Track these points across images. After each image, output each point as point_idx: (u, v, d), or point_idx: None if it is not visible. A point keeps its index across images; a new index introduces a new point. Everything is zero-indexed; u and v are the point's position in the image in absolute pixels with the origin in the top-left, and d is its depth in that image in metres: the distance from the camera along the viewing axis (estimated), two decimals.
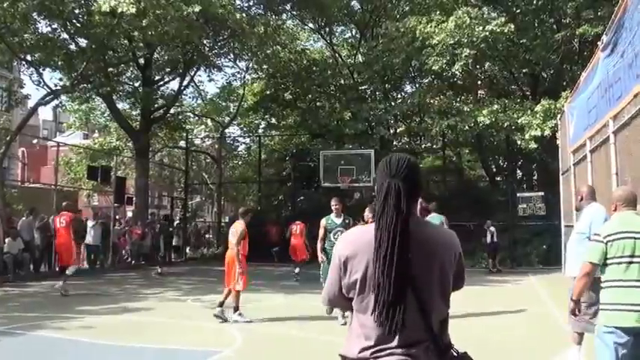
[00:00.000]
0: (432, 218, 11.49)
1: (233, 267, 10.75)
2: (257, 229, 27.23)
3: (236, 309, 10.73)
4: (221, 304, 10.76)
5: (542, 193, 25.03)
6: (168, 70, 29.47)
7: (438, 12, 24.16)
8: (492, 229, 22.85)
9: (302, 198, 33.01)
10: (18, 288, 13.80)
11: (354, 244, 2.56)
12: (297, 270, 18.63)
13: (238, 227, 10.90)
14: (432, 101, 27.73)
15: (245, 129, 39.18)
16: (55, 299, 14.42)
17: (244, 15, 24.14)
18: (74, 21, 22.88)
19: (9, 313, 11.34)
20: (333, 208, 11.33)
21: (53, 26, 23.42)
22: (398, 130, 31.93)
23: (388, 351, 2.40)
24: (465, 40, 22.39)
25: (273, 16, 28.09)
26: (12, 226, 19.25)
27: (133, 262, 24.95)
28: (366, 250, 2.47)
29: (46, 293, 15.43)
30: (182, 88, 30.13)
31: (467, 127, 24.95)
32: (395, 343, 2.40)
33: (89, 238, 22.11)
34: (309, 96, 32.39)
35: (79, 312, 12.10)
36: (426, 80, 29.83)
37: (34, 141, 47.35)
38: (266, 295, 15.25)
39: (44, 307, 12.80)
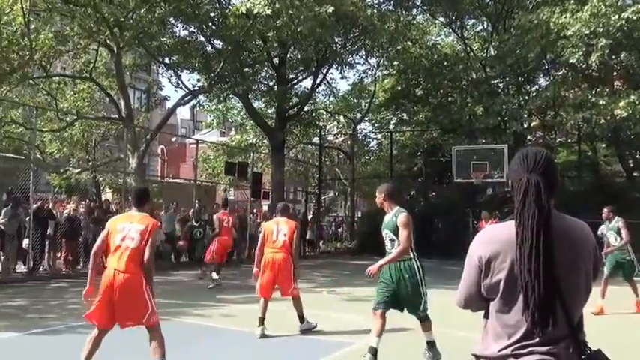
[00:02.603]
0: None
1: (286, 269, 9.36)
2: None
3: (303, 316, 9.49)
4: (302, 318, 9.49)
5: None
6: (301, 68, 30.04)
7: (572, 1, 23.31)
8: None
9: (434, 194, 32.87)
10: (160, 277, 14.52)
11: (494, 242, 2.49)
12: (216, 276, 14.98)
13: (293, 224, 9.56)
14: (566, 94, 26.87)
15: (377, 125, 39.34)
16: (197, 288, 15.19)
17: (375, 11, 24.26)
18: (210, 24, 23.75)
19: None
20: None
21: (190, 29, 24.45)
22: (531, 125, 31.15)
23: (529, 348, 2.38)
24: (601, 30, 21.47)
25: (404, 12, 28.05)
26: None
27: None
28: (508, 248, 2.42)
29: (188, 282, 16.29)
30: (315, 85, 30.61)
31: (603, 121, 23.97)
32: (537, 339, 2.37)
33: None
34: (441, 91, 32.05)
35: (218, 300, 12.76)
36: (560, 72, 28.84)
37: (173, 139, 49.57)
38: None
39: (186, 295, 13.53)
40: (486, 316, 2.58)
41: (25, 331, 9.32)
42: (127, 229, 6.14)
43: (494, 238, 2.51)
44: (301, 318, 9.36)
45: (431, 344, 7.55)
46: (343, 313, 10.79)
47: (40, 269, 17.63)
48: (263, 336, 8.89)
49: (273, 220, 9.82)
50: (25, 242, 16.70)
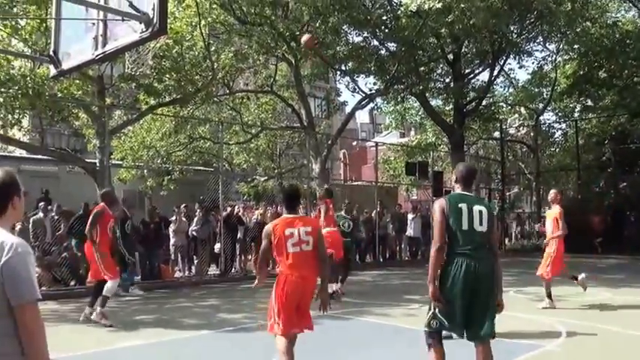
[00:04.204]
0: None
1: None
2: (578, 219, 26.34)
3: None
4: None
5: None
6: (477, 62, 29.47)
7: None
8: None
9: (624, 184, 31.02)
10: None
11: None
12: (335, 286, 12.28)
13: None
14: None
15: (560, 114, 37.75)
16: (383, 288, 15.37)
17: None
18: (382, 27, 23.88)
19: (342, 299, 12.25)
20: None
21: (363, 35, 24.73)
22: None
23: None
24: None
25: None
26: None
27: None
28: None
29: (373, 282, 16.52)
30: (492, 78, 29.88)
31: None
32: None
33: (410, 231, 23.39)
34: (626, 72, 30.03)
35: (404, 300, 12.83)
36: None
37: (354, 143, 50.41)
38: (589, 289, 14.58)
39: (372, 295, 13.76)
40: None
41: (218, 328, 9.93)
42: (295, 234, 5.96)
43: None
44: None
45: None
46: (531, 313, 10.45)
47: (232, 271, 18.70)
48: (449, 337, 8.79)
49: None
50: (217, 246, 17.93)
